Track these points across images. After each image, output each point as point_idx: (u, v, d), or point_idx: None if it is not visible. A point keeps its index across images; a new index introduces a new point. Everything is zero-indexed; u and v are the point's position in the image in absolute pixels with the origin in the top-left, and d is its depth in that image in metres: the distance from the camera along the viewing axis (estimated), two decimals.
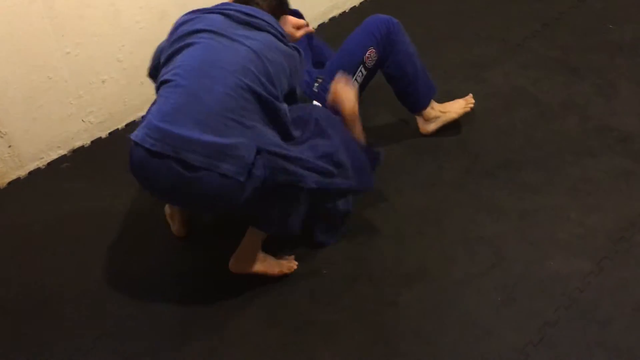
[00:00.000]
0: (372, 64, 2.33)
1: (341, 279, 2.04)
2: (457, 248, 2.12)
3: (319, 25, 3.29)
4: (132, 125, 2.68)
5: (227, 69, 1.73)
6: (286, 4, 2.05)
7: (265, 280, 2.01)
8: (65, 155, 2.55)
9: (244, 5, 1.88)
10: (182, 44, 1.82)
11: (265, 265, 2.01)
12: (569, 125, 2.60)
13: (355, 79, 2.30)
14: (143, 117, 1.85)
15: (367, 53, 2.30)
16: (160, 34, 2.56)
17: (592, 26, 3.19)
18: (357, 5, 3.47)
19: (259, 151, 1.70)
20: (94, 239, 2.21)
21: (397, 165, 2.44)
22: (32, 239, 2.22)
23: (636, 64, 2.92)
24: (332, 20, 3.38)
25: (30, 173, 2.47)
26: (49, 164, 2.51)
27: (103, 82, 2.52)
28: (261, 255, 2.01)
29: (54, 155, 2.52)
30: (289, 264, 2.06)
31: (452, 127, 2.56)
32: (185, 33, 1.84)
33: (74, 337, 1.90)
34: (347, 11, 3.43)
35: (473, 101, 2.56)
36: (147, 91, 2.67)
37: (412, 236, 2.17)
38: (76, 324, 1.94)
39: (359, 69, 2.31)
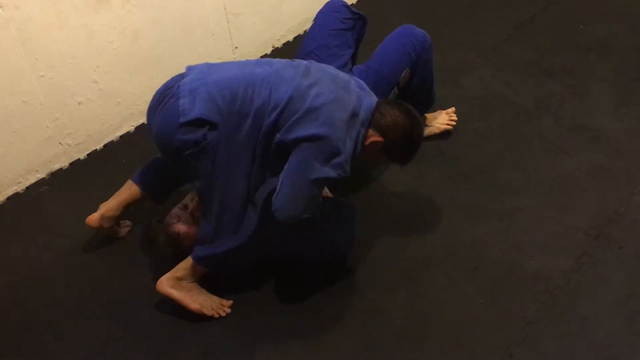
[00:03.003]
0: (405, 83, 2.32)
1: (325, 289, 2.04)
2: (438, 252, 2.13)
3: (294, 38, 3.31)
4: (110, 146, 2.68)
5: None
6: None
7: (247, 294, 2.01)
8: (44, 178, 2.53)
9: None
10: None
11: (186, 295, 1.93)
12: (544, 126, 2.63)
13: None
14: None
15: (403, 74, 2.28)
16: (135, 53, 2.60)
17: (563, 27, 3.24)
18: None
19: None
20: (77, 260, 2.19)
21: (377, 173, 2.45)
22: (11, 263, 2.20)
23: (607, 62, 2.96)
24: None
25: (8, 198, 2.46)
26: (27, 188, 2.50)
27: (79, 103, 2.52)
28: (193, 285, 1.96)
29: (32, 179, 2.51)
30: (218, 308, 1.97)
31: None
32: None
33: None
34: None
35: (455, 117, 2.59)
36: (124, 111, 2.68)
37: (393, 242, 2.18)
38: (62, 346, 1.92)
39: (393, 90, 2.30)
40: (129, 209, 2.19)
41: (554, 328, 1.86)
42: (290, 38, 3.25)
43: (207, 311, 1.94)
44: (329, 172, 1.79)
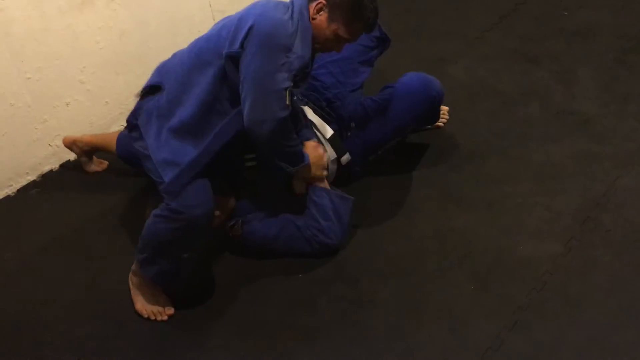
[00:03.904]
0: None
1: (317, 282, 2.06)
2: (429, 241, 2.15)
3: None
4: None
5: None
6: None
7: (238, 286, 2.03)
8: (34, 180, 2.54)
9: None
10: None
11: (136, 292, 1.99)
12: (531, 113, 2.65)
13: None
14: None
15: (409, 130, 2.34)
16: (121, 53, 2.60)
17: (547, 14, 3.26)
18: None
19: None
20: (70, 261, 2.20)
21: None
22: (5, 266, 2.21)
23: (591, 48, 2.99)
24: None
25: (0, 201, 2.46)
26: (18, 190, 2.50)
27: (67, 104, 2.52)
28: (149, 288, 1.98)
29: (23, 181, 2.51)
30: (161, 313, 1.97)
31: None
32: None
33: None
34: None
35: (447, 117, 2.60)
36: (113, 110, 2.68)
37: (384, 233, 2.20)
38: (55, 349, 1.93)
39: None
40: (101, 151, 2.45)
41: (545, 312, 1.89)
42: None
43: (150, 314, 1.97)
44: (283, 55, 1.80)
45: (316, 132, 2.21)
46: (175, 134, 1.87)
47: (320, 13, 1.91)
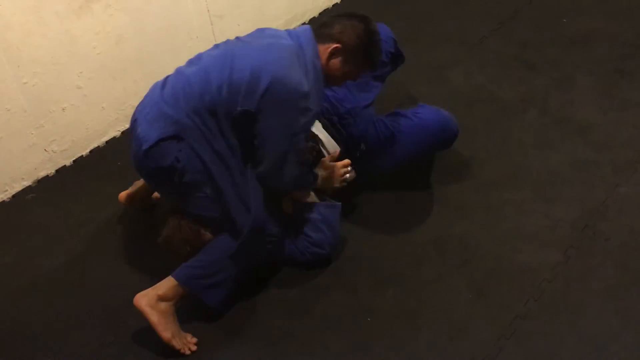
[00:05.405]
0: None
1: (314, 288, 2.05)
2: (427, 248, 2.14)
3: None
4: (96, 151, 2.67)
5: None
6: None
7: (237, 297, 2.01)
8: (30, 186, 2.52)
9: None
10: None
11: (160, 320, 1.84)
12: (529, 120, 2.64)
13: None
14: None
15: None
16: (118, 58, 2.59)
17: (546, 21, 3.26)
18: (316, 16, 3.50)
19: None
20: (66, 267, 2.19)
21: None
22: (3, 271, 2.19)
23: (590, 55, 2.98)
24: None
25: None
26: (13, 196, 2.48)
27: (63, 109, 2.50)
28: (170, 310, 1.88)
29: (18, 187, 2.50)
30: (183, 345, 1.87)
31: None
32: None
33: None
34: (306, 22, 3.46)
35: None
36: (109, 116, 2.67)
37: (381, 240, 2.18)
38: (51, 355, 1.91)
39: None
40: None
41: (543, 321, 1.87)
42: None
43: (177, 344, 1.86)
44: (301, 117, 1.82)
45: (322, 149, 2.19)
46: None
47: (334, 56, 1.91)
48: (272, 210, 1.97)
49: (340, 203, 2.09)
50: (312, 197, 2.13)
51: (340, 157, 2.19)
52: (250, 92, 1.80)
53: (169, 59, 2.73)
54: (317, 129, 2.20)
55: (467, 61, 3.03)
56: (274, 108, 1.81)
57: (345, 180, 2.15)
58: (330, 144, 2.20)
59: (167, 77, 1.96)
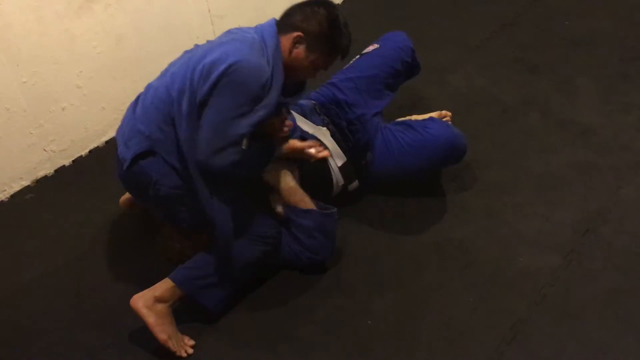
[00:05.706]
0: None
1: (314, 292, 2.03)
2: (427, 252, 2.13)
3: None
4: (95, 152, 2.66)
5: None
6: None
7: (237, 299, 2.00)
8: (28, 186, 2.51)
9: None
10: None
11: (157, 322, 1.83)
12: (531, 123, 2.63)
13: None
14: None
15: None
16: (118, 58, 2.58)
17: (548, 24, 3.25)
18: None
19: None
20: (64, 268, 2.17)
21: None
22: (1, 272, 2.19)
23: (592, 58, 2.97)
24: None
25: None
26: (12, 196, 2.47)
27: (63, 109, 2.49)
28: (167, 311, 1.86)
29: (16, 187, 2.48)
30: (180, 347, 1.85)
31: None
32: None
33: None
34: None
35: (449, 114, 2.54)
36: (109, 116, 2.66)
37: (382, 243, 2.17)
38: (51, 354, 1.90)
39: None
40: None
41: (544, 325, 1.86)
42: None
43: (172, 346, 1.83)
44: (249, 104, 1.74)
45: (329, 159, 2.16)
46: None
47: (297, 45, 1.87)
48: (266, 212, 1.95)
49: (335, 209, 2.06)
50: (307, 203, 2.07)
51: (344, 167, 2.18)
52: (204, 81, 1.74)
53: (169, 59, 2.68)
54: (325, 137, 2.18)
55: (469, 63, 3.02)
56: (224, 91, 1.73)
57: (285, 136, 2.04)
58: (336, 152, 2.18)
59: (138, 95, 1.94)
